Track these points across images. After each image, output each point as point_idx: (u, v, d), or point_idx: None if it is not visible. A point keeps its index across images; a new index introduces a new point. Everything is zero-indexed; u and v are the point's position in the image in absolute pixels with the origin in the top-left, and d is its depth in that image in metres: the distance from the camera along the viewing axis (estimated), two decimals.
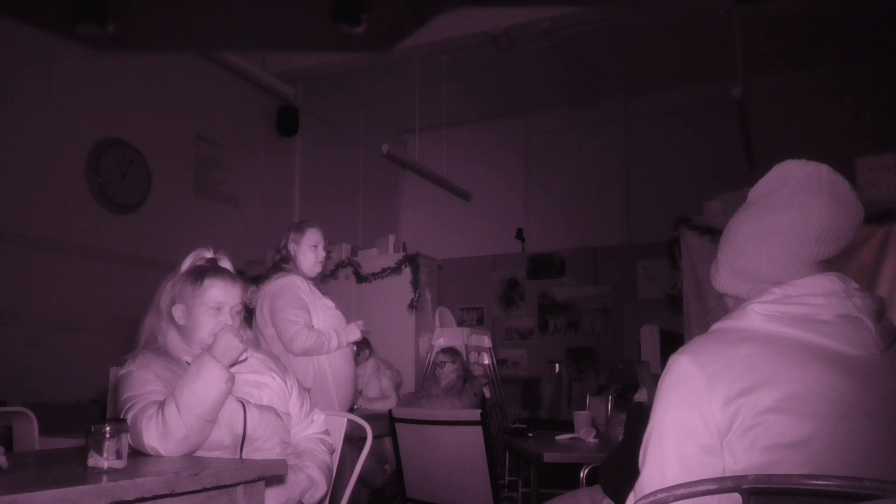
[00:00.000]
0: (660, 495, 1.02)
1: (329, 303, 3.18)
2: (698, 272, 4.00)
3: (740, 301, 1.24)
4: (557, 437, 3.21)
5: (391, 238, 6.16)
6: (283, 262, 3.14)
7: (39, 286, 4.58)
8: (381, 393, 4.60)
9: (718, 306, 1.34)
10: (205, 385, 1.64)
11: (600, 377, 6.21)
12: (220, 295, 1.83)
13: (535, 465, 3.05)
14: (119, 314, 4.72)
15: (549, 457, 2.74)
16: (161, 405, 1.63)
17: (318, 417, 2.04)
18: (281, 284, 3.06)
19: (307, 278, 3.13)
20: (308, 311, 3.04)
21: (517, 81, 7.07)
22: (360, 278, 6.00)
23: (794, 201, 1.22)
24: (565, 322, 7.18)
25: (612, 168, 7.61)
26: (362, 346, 4.48)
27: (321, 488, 1.87)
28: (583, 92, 7.36)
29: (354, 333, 3.14)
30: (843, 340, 1.13)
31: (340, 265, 6.09)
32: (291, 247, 3.15)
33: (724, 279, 1.30)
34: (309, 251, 3.13)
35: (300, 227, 3.19)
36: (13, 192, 4.50)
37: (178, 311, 1.84)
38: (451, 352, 4.19)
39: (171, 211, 5.55)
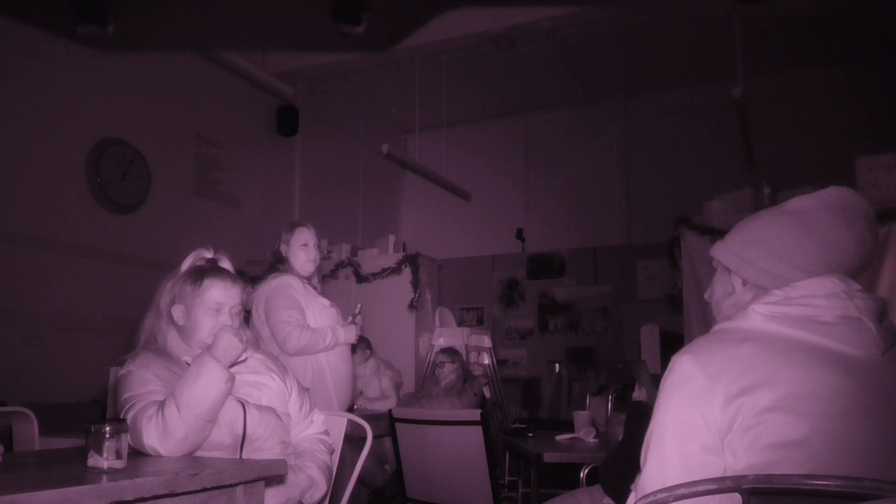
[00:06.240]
0: (660, 495, 1.02)
1: (325, 301, 3.19)
2: (698, 272, 3.99)
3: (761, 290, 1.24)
4: (557, 437, 3.21)
5: (391, 238, 6.16)
6: (277, 263, 3.18)
7: (39, 286, 4.57)
8: (381, 393, 4.60)
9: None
10: (205, 385, 1.64)
11: (600, 377, 6.22)
12: (220, 295, 1.83)
13: (535, 465, 3.05)
14: (119, 314, 4.72)
15: (549, 457, 2.74)
16: (161, 405, 1.63)
17: (318, 417, 2.03)
18: (274, 285, 3.08)
19: (302, 277, 3.14)
20: (301, 311, 3.05)
21: (517, 81, 7.07)
22: (360, 278, 6.00)
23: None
24: (565, 322, 7.18)
25: (612, 168, 7.61)
26: (362, 346, 4.48)
27: (321, 488, 1.87)
28: (583, 92, 7.36)
29: (351, 336, 3.14)
30: (844, 341, 1.13)
31: (340, 265, 6.09)
32: (283, 248, 3.18)
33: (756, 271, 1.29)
34: (300, 251, 3.15)
35: (290, 228, 3.23)
36: (13, 192, 4.50)
37: (177, 312, 1.84)
38: (450, 352, 4.19)
39: (171, 211, 5.55)
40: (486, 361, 5.55)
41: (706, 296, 1.40)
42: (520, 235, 7.60)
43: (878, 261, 3.37)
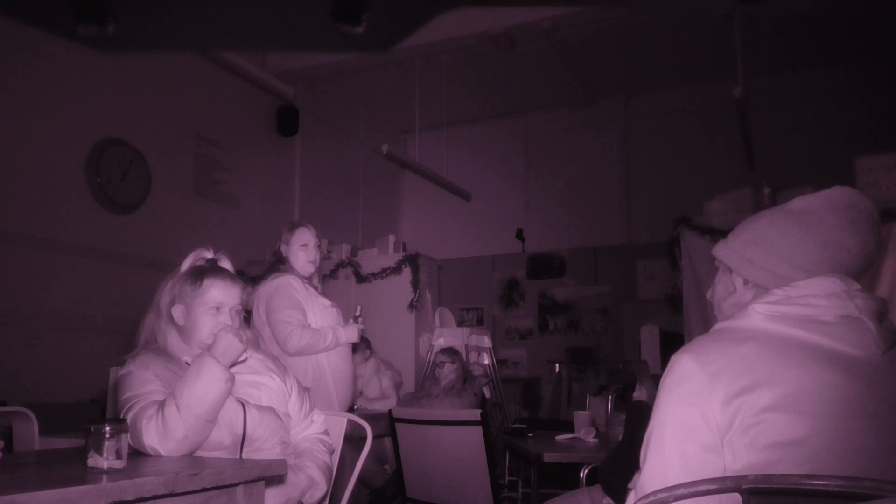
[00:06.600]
0: (660, 495, 1.02)
1: (325, 301, 3.19)
2: (698, 272, 3.99)
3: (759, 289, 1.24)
4: (557, 437, 3.21)
5: (391, 238, 6.16)
6: (278, 263, 3.18)
7: (39, 286, 4.57)
8: (381, 393, 4.60)
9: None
10: (205, 385, 1.64)
11: (600, 377, 6.22)
12: (220, 295, 1.83)
13: (535, 465, 3.05)
14: (119, 314, 4.71)
15: (549, 457, 2.74)
16: (161, 405, 1.63)
17: (318, 417, 2.03)
18: (275, 285, 3.08)
19: (302, 277, 3.15)
20: (302, 311, 3.05)
21: (517, 81, 7.07)
22: (360, 278, 6.00)
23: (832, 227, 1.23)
24: (565, 322, 7.18)
25: (612, 168, 7.61)
26: (363, 346, 4.48)
27: (321, 488, 1.87)
28: (583, 92, 7.36)
29: (352, 335, 3.14)
30: (844, 341, 1.13)
31: (340, 265, 6.10)
32: (283, 248, 3.18)
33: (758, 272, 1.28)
34: (300, 251, 3.16)
35: (290, 228, 3.23)
36: (13, 192, 4.50)
37: (177, 312, 1.84)
38: (450, 352, 4.19)
39: (171, 211, 5.55)
40: (486, 361, 5.55)
41: (708, 295, 1.40)
42: (520, 235, 7.60)
43: (878, 261, 3.37)
